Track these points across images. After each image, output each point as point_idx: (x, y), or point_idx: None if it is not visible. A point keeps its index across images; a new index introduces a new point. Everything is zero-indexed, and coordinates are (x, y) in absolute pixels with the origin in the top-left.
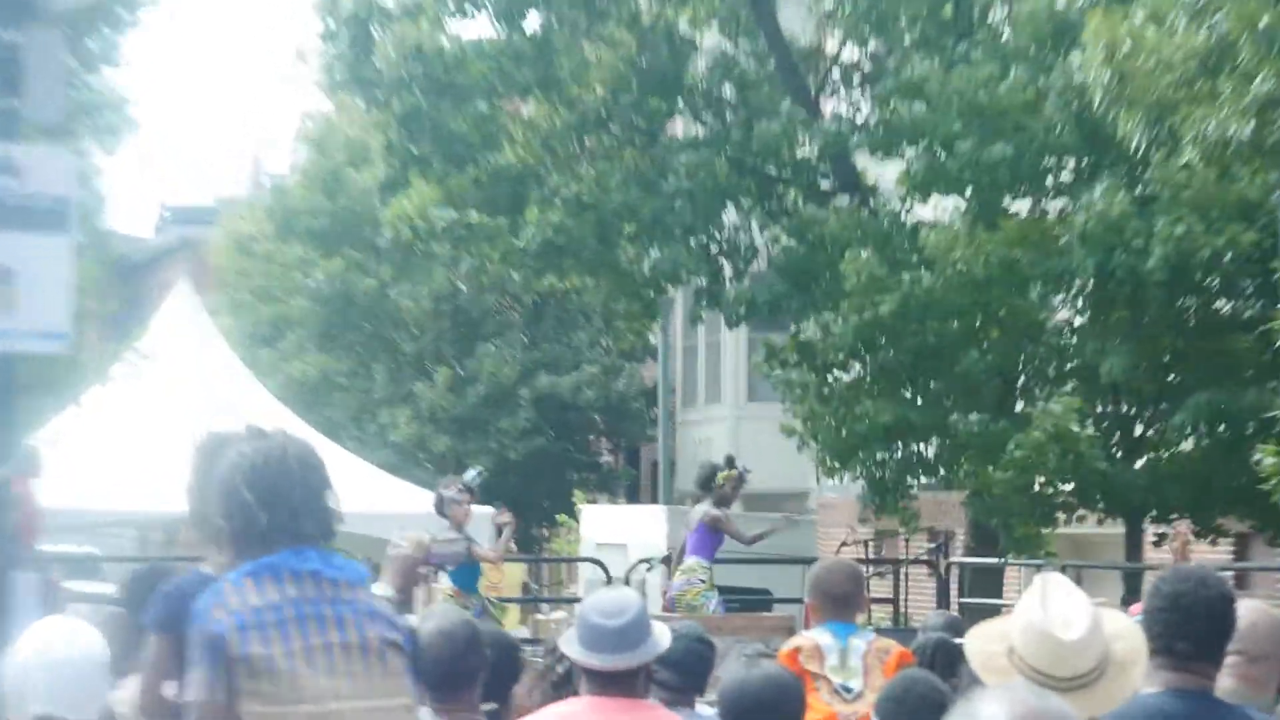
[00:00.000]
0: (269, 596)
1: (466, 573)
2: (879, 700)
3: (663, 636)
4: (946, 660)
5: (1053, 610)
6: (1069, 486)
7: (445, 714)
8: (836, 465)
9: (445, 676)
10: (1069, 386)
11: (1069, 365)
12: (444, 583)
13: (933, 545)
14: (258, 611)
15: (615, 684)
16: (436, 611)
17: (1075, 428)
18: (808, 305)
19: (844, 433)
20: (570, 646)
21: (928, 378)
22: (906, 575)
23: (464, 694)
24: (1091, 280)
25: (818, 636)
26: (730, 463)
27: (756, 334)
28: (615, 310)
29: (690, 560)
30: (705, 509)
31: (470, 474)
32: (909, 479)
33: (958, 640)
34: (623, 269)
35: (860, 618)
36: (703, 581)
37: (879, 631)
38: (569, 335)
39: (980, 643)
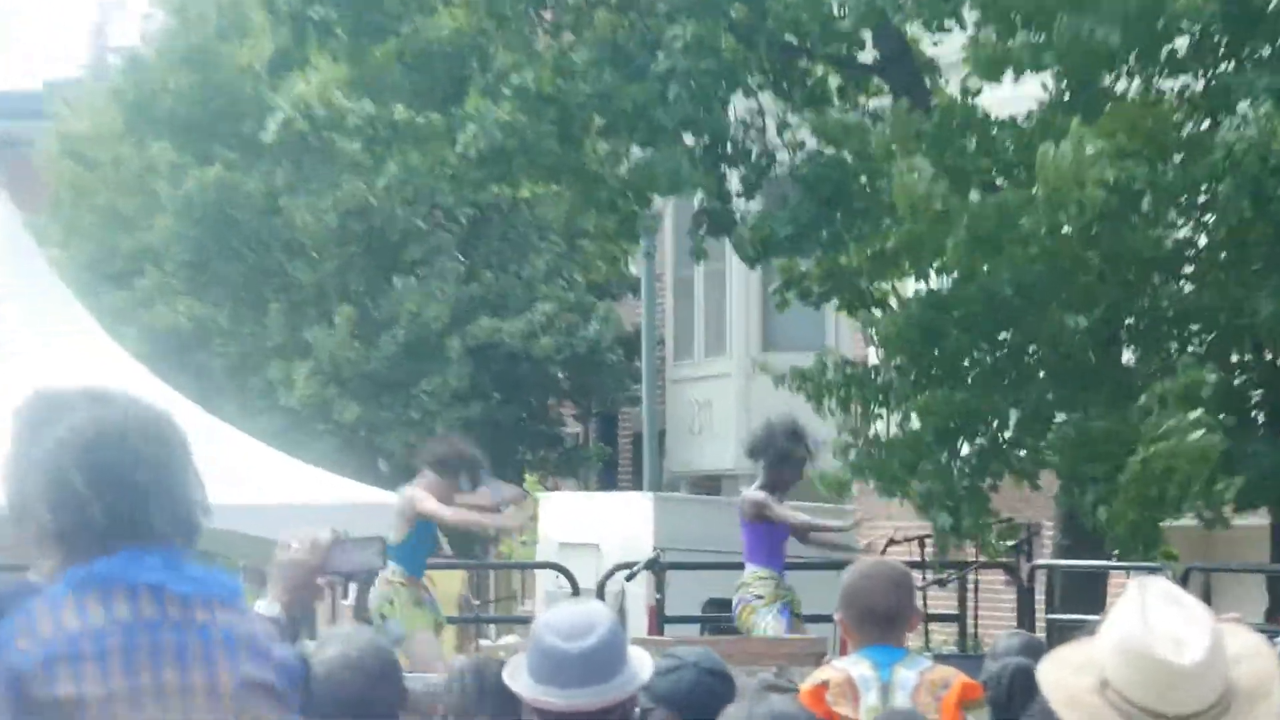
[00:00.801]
0: (91, 619)
1: (418, 548)
2: None
3: (642, 666)
4: (1028, 694)
5: (1157, 626)
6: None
7: None
8: (904, 484)
9: (350, 717)
10: (1197, 346)
11: (1191, 328)
12: (351, 598)
13: (1012, 544)
14: (73, 639)
15: None
16: (338, 635)
17: (1204, 436)
18: (842, 231)
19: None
20: (517, 679)
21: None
22: (977, 584)
23: None
24: (1240, 209)
25: (852, 667)
26: (793, 434)
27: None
28: (582, 229)
29: (746, 571)
30: (746, 493)
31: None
32: (988, 479)
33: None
34: (590, 172)
35: (912, 640)
36: (758, 597)
37: (938, 659)
38: (519, 263)
39: (1061, 672)
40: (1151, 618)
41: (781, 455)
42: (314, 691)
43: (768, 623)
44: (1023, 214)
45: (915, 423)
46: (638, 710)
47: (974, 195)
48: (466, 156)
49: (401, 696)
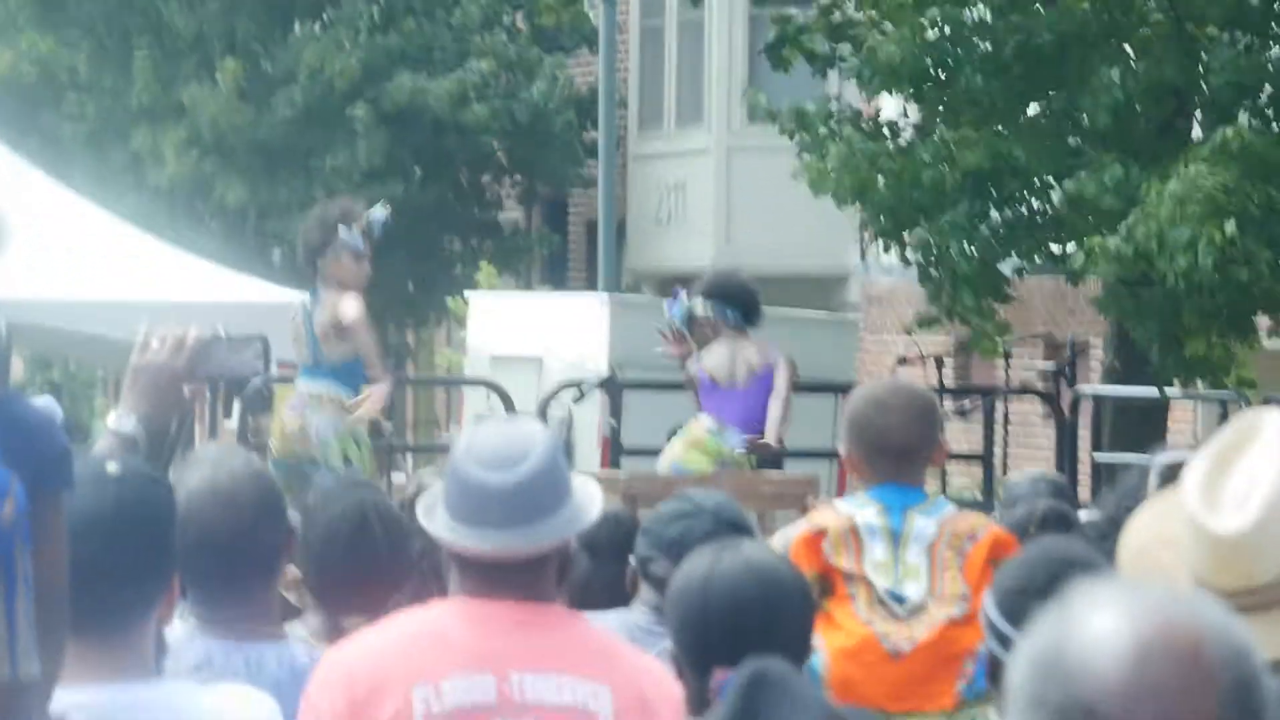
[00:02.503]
0: None
1: (358, 370)
2: (999, 588)
3: (590, 500)
4: None
5: (1230, 479)
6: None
7: (218, 628)
8: (890, 228)
9: (218, 566)
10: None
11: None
12: (234, 421)
13: (1052, 367)
14: None
15: (506, 580)
16: (205, 456)
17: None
18: None
19: (906, 184)
20: (432, 517)
21: (1038, 99)
22: (1007, 415)
23: (250, 591)
24: None
25: (857, 510)
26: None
27: (763, 7)
28: None
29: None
30: (778, 354)
31: (379, 213)
32: (1010, 256)
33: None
34: None
35: (930, 483)
36: None
37: (961, 505)
38: (448, 8)
39: (1143, 533)
40: (1229, 468)
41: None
42: (178, 528)
43: None
44: None
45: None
46: (632, 561)
47: None
48: None
49: (286, 539)
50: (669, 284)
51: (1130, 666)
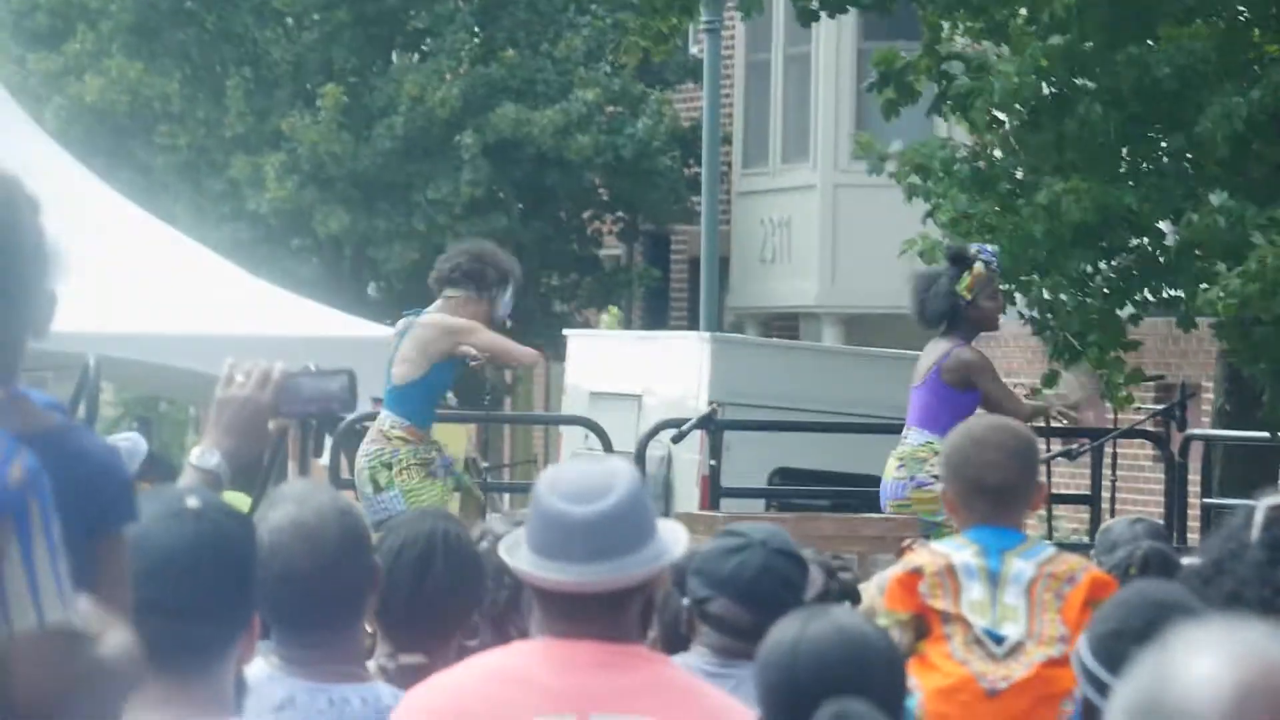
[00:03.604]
0: None
1: (430, 394)
2: (1093, 632)
3: (674, 541)
4: None
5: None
6: None
7: (301, 668)
8: (1012, 292)
9: (301, 605)
10: None
11: None
12: (326, 458)
13: (1162, 407)
14: None
15: (589, 618)
16: (290, 493)
17: None
18: None
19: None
20: (516, 553)
21: (1155, 137)
22: (1115, 458)
23: (336, 631)
24: None
25: (955, 551)
26: (960, 258)
27: (871, 41)
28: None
29: (913, 438)
30: (947, 346)
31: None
32: (1128, 304)
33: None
34: None
35: (1033, 526)
36: (936, 479)
37: (1069, 549)
38: (550, 40)
39: None
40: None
41: (964, 294)
42: (259, 565)
43: None
44: None
45: (1044, 222)
46: (685, 601)
47: None
48: None
49: (371, 576)
50: (773, 324)
51: (1232, 710)
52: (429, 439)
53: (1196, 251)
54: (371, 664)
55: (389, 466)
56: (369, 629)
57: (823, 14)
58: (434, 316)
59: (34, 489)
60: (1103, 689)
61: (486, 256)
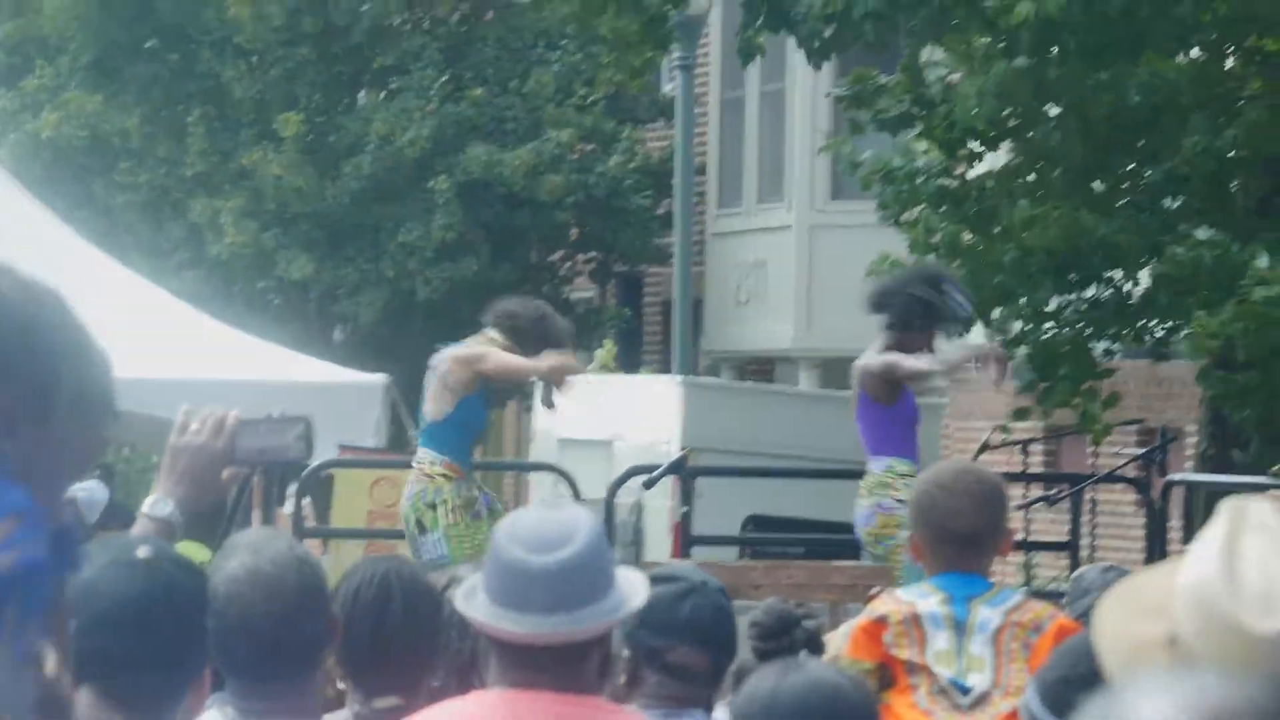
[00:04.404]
0: None
1: (465, 430)
2: (1041, 679)
3: (633, 590)
4: None
5: (1246, 574)
6: None
7: (259, 718)
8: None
9: (258, 655)
10: None
11: None
12: (289, 506)
13: (1143, 451)
14: None
15: (546, 669)
16: (245, 541)
17: None
18: (936, 21)
19: (989, 262)
20: (472, 602)
21: (1133, 165)
22: (1095, 504)
23: (292, 682)
24: None
25: (920, 600)
26: (933, 280)
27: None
28: (599, 34)
29: (873, 466)
30: (861, 361)
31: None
32: (1099, 342)
33: None
34: None
35: (1012, 573)
36: (900, 503)
37: (1042, 597)
38: (520, 77)
39: (1126, 615)
40: (1240, 561)
41: (910, 307)
42: (213, 615)
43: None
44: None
45: (1015, 248)
46: (625, 654)
47: None
48: None
49: (329, 628)
50: (747, 368)
51: None
52: (470, 477)
53: (1176, 289)
54: (345, 713)
55: (433, 507)
56: (340, 684)
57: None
58: (451, 349)
59: (16, 580)
60: None
61: (548, 323)
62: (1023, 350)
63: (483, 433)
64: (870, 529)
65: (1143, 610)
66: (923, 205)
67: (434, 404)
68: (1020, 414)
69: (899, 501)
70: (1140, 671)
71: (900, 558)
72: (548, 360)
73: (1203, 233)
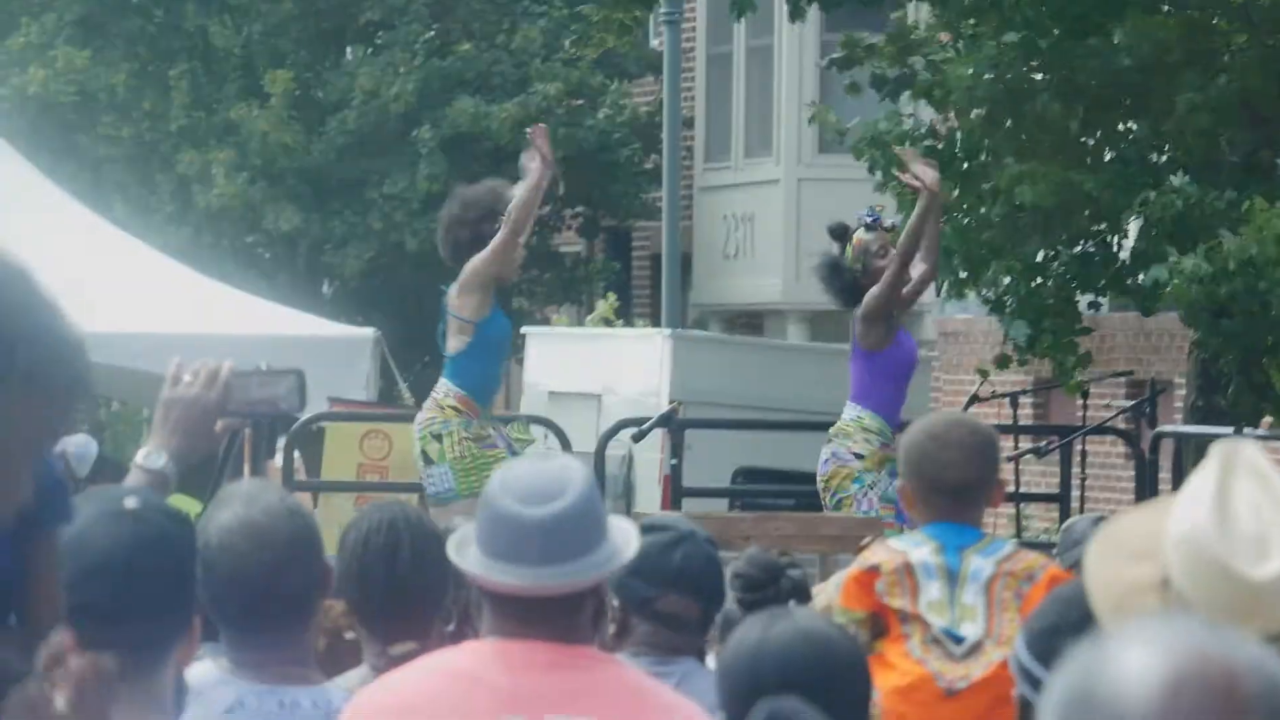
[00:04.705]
0: None
1: (480, 358)
2: (1029, 628)
3: (626, 541)
4: None
5: (1238, 519)
6: None
7: (251, 671)
8: (965, 276)
9: (250, 606)
10: None
11: None
12: (279, 460)
13: (1132, 404)
14: None
15: (540, 620)
16: (238, 492)
17: None
18: None
19: (978, 219)
20: (464, 554)
21: (1118, 126)
22: (1084, 455)
23: (285, 633)
24: None
25: (912, 549)
26: (840, 233)
27: (834, 33)
28: None
29: (845, 413)
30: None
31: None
32: (1082, 293)
33: None
34: None
35: (1003, 525)
36: (858, 457)
37: (1032, 548)
38: (506, 31)
39: (1115, 560)
40: (1232, 506)
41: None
42: (205, 565)
43: (867, 503)
44: None
45: (1004, 205)
46: (615, 602)
47: None
48: None
49: (321, 579)
50: (737, 321)
51: (1164, 701)
52: (486, 414)
53: (1152, 236)
54: (362, 669)
55: (439, 438)
56: (349, 634)
57: (808, 7)
58: (457, 283)
59: None
60: (1037, 685)
61: (462, 208)
62: (1009, 303)
63: (499, 368)
64: (823, 476)
65: (1132, 553)
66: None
67: (453, 338)
68: (1002, 362)
69: (855, 455)
70: (1131, 615)
71: (841, 490)
72: (531, 179)
73: (1176, 179)
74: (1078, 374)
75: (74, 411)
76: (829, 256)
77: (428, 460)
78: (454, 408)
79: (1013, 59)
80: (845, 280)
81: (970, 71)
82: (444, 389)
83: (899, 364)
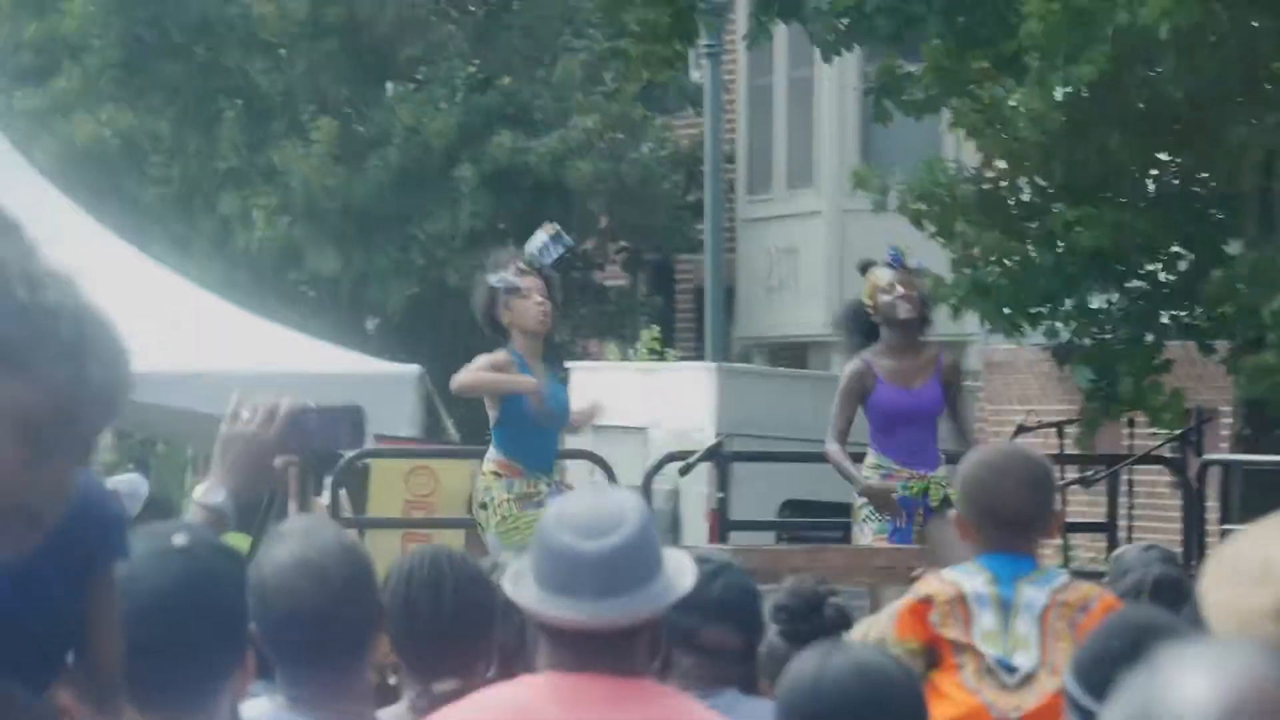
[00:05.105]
0: None
1: (513, 426)
2: (1077, 658)
3: (681, 574)
4: (1175, 610)
5: None
6: None
7: (307, 707)
8: (1020, 324)
9: (306, 643)
10: None
11: None
12: (326, 497)
13: (1179, 432)
14: None
15: (597, 653)
16: (295, 529)
17: None
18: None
19: (1034, 265)
20: (521, 587)
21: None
22: (1131, 484)
23: (341, 670)
24: None
25: (965, 579)
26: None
27: (875, 65)
28: (626, 22)
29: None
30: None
31: (540, 240)
32: (1151, 335)
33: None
34: None
35: (1048, 555)
36: (860, 500)
37: (1078, 575)
38: (547, 65)
39: (1231, 586)
40: None
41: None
42: (261, 602)
43: (867, 538)
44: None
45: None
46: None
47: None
48: None
49: (375, 615)
50: (781, 353)
51: None
52: (528, 473)
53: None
54: (401, 705)
55: (484, 507)
56: (391, 679)
57: (840, 49)
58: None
59: None
60: (1086, 716)
61: (476, 286)
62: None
63: (541, 421)
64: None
65: (1249, 578)
66: (958, 220)
67: (489, 409)
68: (1091, 423)
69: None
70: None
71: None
72: (523, 385)
73: (1233, 248)
74: (1167, 416)
75: (112, 423)
76: (846, 303)
77: (482, 529)
78: (494, 472)
79: (1073, 94)
80: (860, 324)
81: (1037, 107)
82: (488, 455)
83: (886, 410)
